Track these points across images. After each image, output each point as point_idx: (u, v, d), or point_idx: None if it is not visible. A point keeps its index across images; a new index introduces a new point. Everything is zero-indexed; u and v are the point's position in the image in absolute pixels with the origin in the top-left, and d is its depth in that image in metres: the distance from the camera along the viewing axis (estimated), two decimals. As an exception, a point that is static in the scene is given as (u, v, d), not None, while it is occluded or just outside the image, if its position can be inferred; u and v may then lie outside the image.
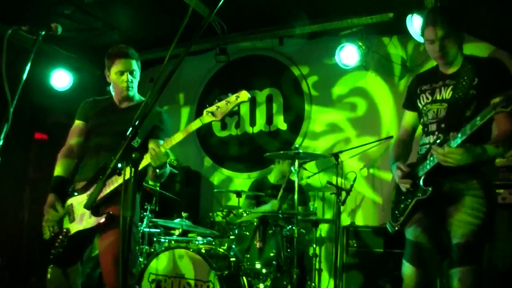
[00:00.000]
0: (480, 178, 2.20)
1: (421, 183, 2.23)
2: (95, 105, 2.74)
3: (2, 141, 1.81)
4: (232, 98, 2.19)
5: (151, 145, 2.37)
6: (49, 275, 2.41)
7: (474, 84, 2.21)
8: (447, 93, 2.29)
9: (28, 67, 1.96)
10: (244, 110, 5.61)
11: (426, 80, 2.44)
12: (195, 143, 5.81)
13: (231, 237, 3.77)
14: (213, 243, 3.88)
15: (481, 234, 2.15)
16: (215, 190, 5.42)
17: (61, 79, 5.39)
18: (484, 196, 2.17)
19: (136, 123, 1.54)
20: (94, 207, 2.36)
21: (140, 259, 3.98)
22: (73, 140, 2.67)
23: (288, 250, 3.72)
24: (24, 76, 1.94)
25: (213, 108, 2.22)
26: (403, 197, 2.39)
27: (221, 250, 3.70)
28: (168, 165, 2.45)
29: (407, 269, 2.30)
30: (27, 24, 2.02)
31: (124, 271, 1.45)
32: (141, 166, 2.04)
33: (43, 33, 2.05)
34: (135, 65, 2.65)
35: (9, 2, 4.38)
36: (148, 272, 3.57)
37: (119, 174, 2.26)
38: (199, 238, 4.00)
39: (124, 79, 2.60)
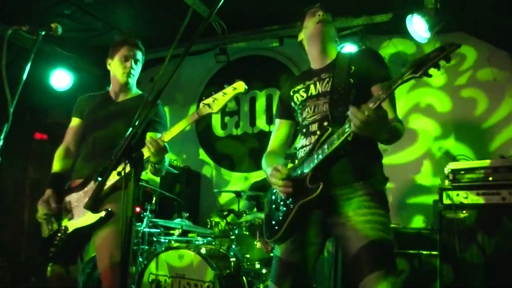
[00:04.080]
0: (368, 181, 1.95)
1: (307, 182, 1.91)
2: (91, 101, 2.73)
3: (2, 141, 1.81)
4: (229, 89, 2.16)
5: (148, 139, 2.28)
6: (48, 273, 2.40)
7: (352, 72, 2.09)
8: (323, 86, 2.13)
9: (28, 67, 1.96)
10: (244, 110, 5.61)
11: (299, 80, 2.28)
12: (195, 143, 5.81)
13: (231, 237, 3.78)
14: (213, 243, 3.88)
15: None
16: (215, 190, 5.42)
17: (61, 79, 5.39)
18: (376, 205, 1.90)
19: (137, 123, 1.54)
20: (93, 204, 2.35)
21: (140, 259, 3.98)
22: (70, 139, 2.66)
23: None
24: (24, 76, 1.95)
25: (209, 100, 2.18)
26: (280, 206, 2.05)
27: (221, 250, 3.70)
28: (166, 160, 2.39)
29: None
30: (27, 24, 2.02)
31: (124, 271, 1.44)
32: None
33: (43, 33, 2.06)
34: (140, 56, 2.68)
35: (9, 2, 4.39)
36: (148, 272, 3.57)
37: (119, 174, 2.25)
38: (199, 238, 4.00)
39: (128, 65, 2.62)
